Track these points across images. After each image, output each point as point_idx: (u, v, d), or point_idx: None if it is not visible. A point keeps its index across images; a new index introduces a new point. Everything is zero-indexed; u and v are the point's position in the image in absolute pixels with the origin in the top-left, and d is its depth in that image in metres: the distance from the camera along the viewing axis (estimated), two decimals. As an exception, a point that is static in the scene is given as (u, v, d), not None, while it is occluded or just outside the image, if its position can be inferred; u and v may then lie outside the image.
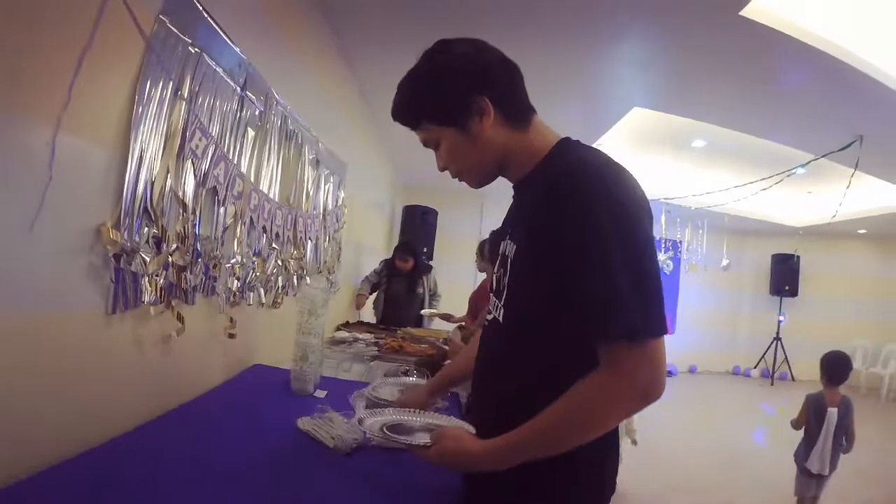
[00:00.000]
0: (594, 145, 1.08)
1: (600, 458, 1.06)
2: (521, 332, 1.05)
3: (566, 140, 1.12)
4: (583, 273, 0.90)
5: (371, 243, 6.34)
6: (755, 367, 10.25)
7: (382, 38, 3.63)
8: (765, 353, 10.13)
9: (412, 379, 1.83)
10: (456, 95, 1.07)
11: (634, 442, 4.01)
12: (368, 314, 5.38)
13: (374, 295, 5.33)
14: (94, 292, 1.35)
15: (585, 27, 3.25)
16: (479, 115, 1.07)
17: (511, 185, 1.21)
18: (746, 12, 2.87)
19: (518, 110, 1.12)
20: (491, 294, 1.21)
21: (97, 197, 1.33)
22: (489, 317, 1.20)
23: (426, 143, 1.16)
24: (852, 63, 3.32)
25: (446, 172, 1.19)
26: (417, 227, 7.55)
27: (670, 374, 9.69)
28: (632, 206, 0.94)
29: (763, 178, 6.05)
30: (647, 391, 0.90)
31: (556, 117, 4.86)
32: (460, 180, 1.19)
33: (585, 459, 1.01)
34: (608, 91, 4.30)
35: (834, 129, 4.41)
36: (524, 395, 1.00)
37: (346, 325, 4.27)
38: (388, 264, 5.30)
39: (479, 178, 1.17)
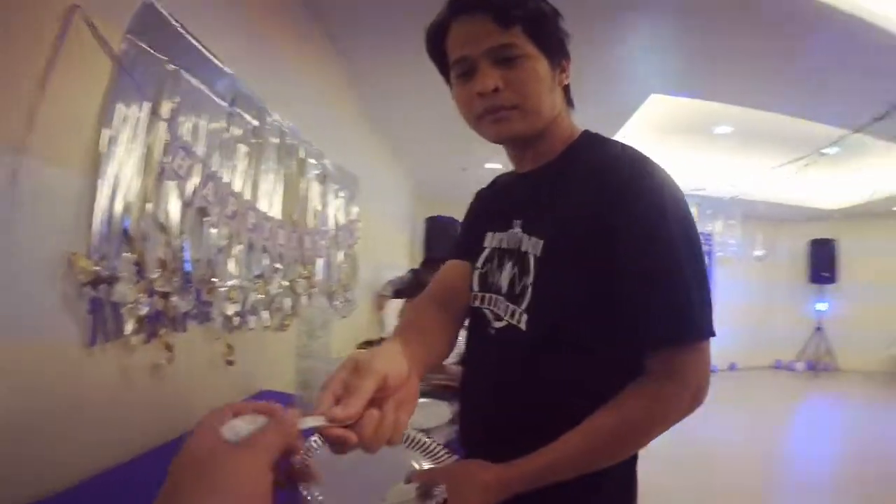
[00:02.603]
0: (614, 138, 1.00)
1: (630, 468, 1.01)
2: (556, 340, 0.94)
3: (589, 132, 1.07)
4: (655, 275, 0.86)
5: (391, 258, 6.28)
6: (798, 360, 9.88)
7: (386, 43, 3.56)
8: (806, 345, 9.78)
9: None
10: (563, 35, 1.01)
11: None
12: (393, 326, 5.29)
13: (400, 307, 5.25)
14: (70, 324, 1.29)
15: (592, 9, 3.12)
16: (563, 68, 1.02)
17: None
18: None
19: (569, 91, 1.08)
20: (487, 295, 1.07)
21: (68, 224, 1.27)
22: (498, 324, 1.03)
23: (498, 51, 0.94)
24: (882, 24, 3.11)
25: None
26: (440, 238, 7.46)
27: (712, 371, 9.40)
28: (686, 204, 0.92)
29: (793, 160, 5.82)
30: (700, 395, 0.89)
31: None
32: (495, 118, 0.98)
33: (616, 471, 0.94)
34: (621, 80, 4.14)
35: (866, 99, 4.16)
36: (562, 410, 0.90)
37: (368, 344, 4.19)
38: (416, 277, 5.22)
39: (527, 124, 0.98)
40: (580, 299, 0.92)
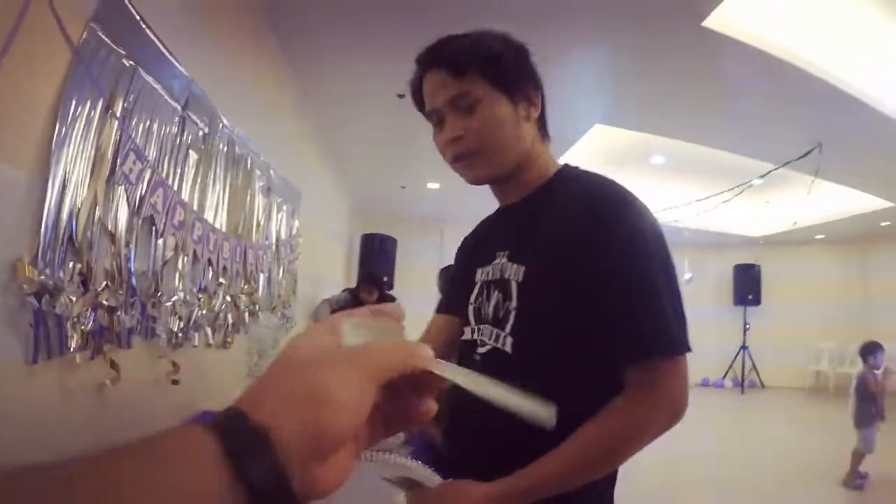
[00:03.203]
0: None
1: (608, 489, 1.02)
2: (542, 361, 0.96)
3: (569, 165, 1.11)
4: (633, 295, 0.91)
5: (329, 275, 6.16)
6: (724, 377, 10.40)
7: (339, 60, 3.56)
8: (732, 363, 10.30)
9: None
10: (524, 69, 1.03)
11: None
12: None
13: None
14: (11, 339, 1.18)
15: (540, 42, 3.23)
16: (529, 103, 1.03)
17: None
18: (708, 23, 2.89)
19: (545, 124, 1.10)
20: (478, 327, 1.09)
21: (12, 228, 1.18)
22: (482, 349, 1.05)
23: (455, 100, 0.99)
24: (810, 70, 3.39)
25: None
26: (377, 256, 7.40)
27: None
28: (661, 230, 0.98)
29: (722, 192, 6.16)
30: (681, 406, 0.91)
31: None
32: (465, 164, 1.03)
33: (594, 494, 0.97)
34: (568, 109, 4.30)
35: (793, 137, 4.52)
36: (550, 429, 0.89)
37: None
38: (353, 295, 5.13)
39: (494, 166, 1.03)
40: (561, 319, 0.94)
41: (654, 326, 0.89)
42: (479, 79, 0.98)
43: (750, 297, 10.15)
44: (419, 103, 1.08)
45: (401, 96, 4.02)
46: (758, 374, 10.20)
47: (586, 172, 1.07)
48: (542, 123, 1.09)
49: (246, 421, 0.30)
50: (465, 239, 1.30)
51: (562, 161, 1.12)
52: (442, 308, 1.26)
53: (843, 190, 6.34)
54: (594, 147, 5.33)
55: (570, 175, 1.07)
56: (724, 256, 10.62)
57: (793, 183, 5.93)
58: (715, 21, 2.89)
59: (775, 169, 5.18)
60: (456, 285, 1.23)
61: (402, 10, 2.98)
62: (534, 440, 0.86)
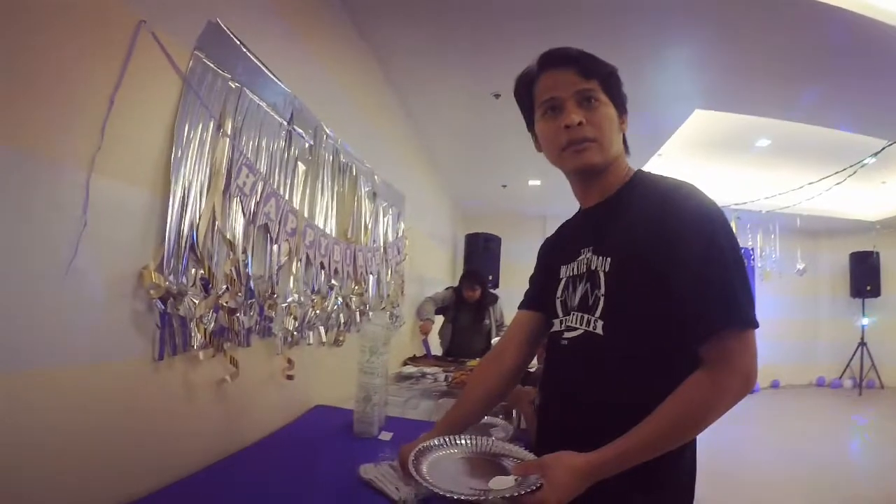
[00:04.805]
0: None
1: (692, 466, 1.08)
2: (631, 341, 1.03)
3: (641, 171, 1.20)
4: (707, 276, 0.96)
5: (434, 275, 6.19)
6: (842, 376, 9.32)
7: (432, 65, 3.55)
8: (850, 361, 9.20)
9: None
10: (624, 95, 1.18)
11: None
12: (434, 345, 5.14)
13: (440, 324, 5.12)
14: (139, 339, 1.25)
15: (634, 31, 3.04)
16: (623, 119, 1.17)
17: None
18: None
19: (626, 140, 1.22)
20: (564, 318, 1.17)
21: (138, 240, 1.24)
22: (570, 334, 1.12)
23: (582, 94, 1.11)
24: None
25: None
26: (481, 255, 7.33)
27: (752, 391, 8.93)
28: (727, 219, 1.03)
29: (835, 173, 5.57)
30: (751, 378, 0.95)
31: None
32: (577, 148, 1.12)
33: (683, 471, 1.05)
34: (666, 96, 4.01)
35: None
36: (640, 401, 0.97)
37: (413, 360, 4.09)
38: (456, 293, 5.09)
39: (601, 156, 1.13)
40: (647, 302, 1.01)
41: (727, 303, 0.95)
42: (598, 86, 1.11)
43: (868, 287, 8.92)
44: (524, 94, 1.20)
45: (497, 96, 3.95)
46: (877, 372, 8.97)
47: (658, 175, 1.16)
48: (625, 140, 1.21)
49: None
50: (547, 240, 1.39)
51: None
52: (524, 305, 1.35)
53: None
54: (695, 134, 4.96)
55: (645, 178, 1.16)
56: (838, 244, 9.43)
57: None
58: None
59: (889, 145, 4.59)
60: (537, 283, 1.33)
61: (495, 11, 2.91)
62: (625, 413, 0.98)
